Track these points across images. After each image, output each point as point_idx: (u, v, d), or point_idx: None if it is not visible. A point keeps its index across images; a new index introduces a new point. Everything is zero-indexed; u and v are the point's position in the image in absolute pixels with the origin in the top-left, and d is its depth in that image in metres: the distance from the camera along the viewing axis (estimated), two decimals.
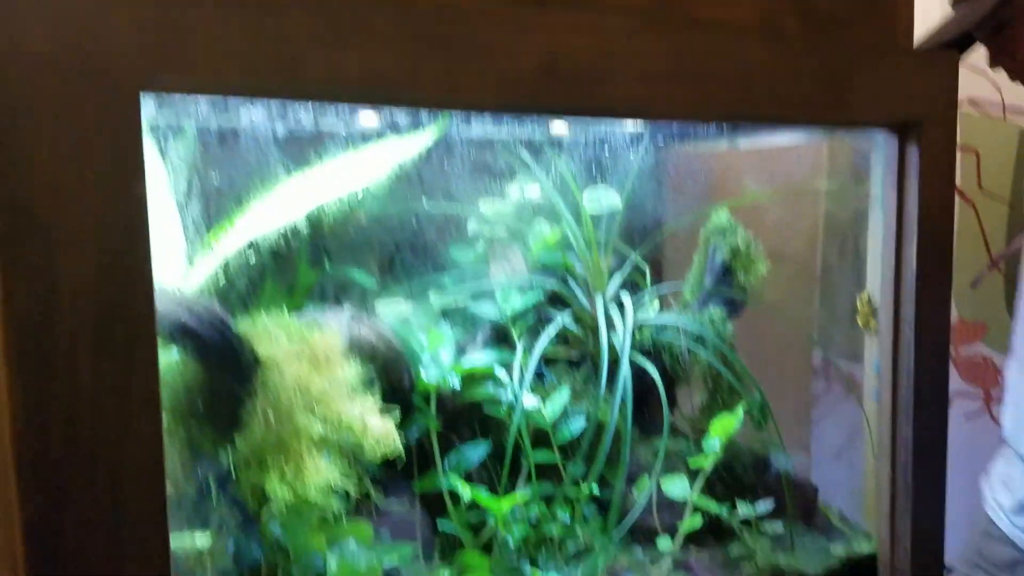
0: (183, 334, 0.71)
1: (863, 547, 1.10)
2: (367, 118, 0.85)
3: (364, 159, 0.82)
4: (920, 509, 1.07)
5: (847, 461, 1.62)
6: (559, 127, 1.11)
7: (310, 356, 0.82)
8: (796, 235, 1.61)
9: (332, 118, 0.85)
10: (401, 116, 0.86)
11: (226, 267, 0.79)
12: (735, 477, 1.09)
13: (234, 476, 0.77)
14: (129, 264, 0.59)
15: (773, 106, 0.91)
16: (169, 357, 0.73)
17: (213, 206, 0.80)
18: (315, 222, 0.88)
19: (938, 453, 1.10)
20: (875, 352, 1.14)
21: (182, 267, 0.78)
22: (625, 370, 0.93)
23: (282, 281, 0.91)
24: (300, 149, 0.84)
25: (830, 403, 1.75)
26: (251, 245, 0.79)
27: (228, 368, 0.76)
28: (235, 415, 0.77)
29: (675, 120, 0.91)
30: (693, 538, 1.02)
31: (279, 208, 0.80)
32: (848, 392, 1.69)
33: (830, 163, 1.54)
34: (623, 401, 0.93)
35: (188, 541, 0.75)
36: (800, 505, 1.13)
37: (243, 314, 0.83)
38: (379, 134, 0.84)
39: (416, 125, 0.86)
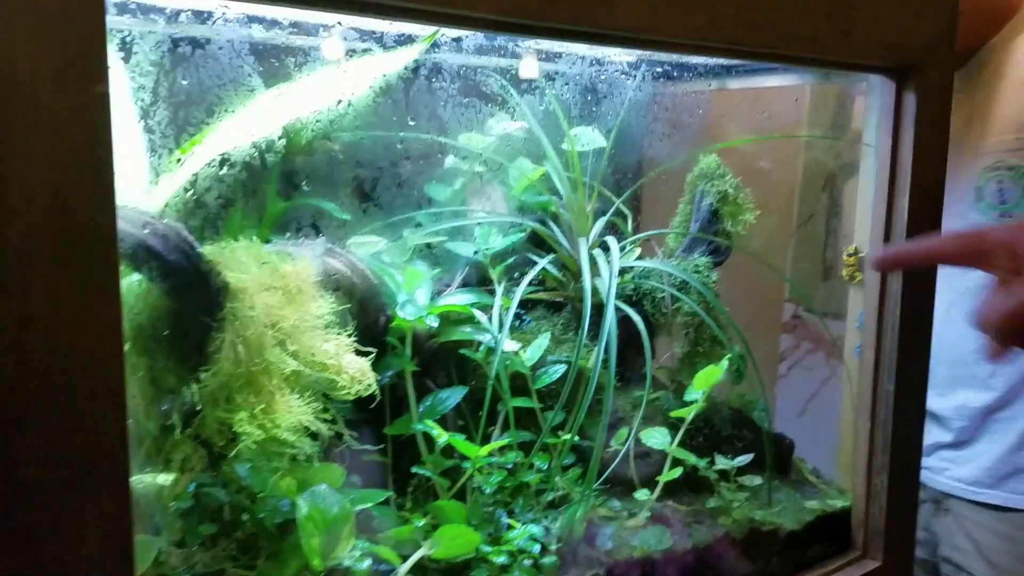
0: (146, 256, 0.65)
1: (836, 502, 1.09)
2: (349, 31, 0.78)
3: (342, 74, 0.76)
4: (897, 466, 1.06)
5: (814, 415, 1.62)
6: (545, 64, 1.05)
7: (282, 287, 0.77)
8: (774, 185, 1.58)
9: (311, 31, 0.79)
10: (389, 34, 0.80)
11: (193, 187, 0.73)
12: (714, 430, 1.07)
13: (199, 412, 0.72)
14: (89, 174, 0.53)
15: (778, 40, 0.88)
16: (130, 280, 0.67)
17: (180, 121, 0.73)
18: (288, 142, 0.82)
19: (918, 409, 1.09)
20: (859, 306, 1.11)
21: (145, 185, 0.72)
22: (610, 317, 0.89)
23: (251, 206, 0.85)
24: (276, 62, 0.78)
25: (797, 357, 1.74)
26: (220, 164, 0.73)
27: (194, 295, 0.70)
28: (201, 346, 0.72)
29: (677, 49, 0.86)
30: (669, 490, 0.99)
31: (250, 125, 0.74)
32: (818, 346, 1.68)
33: (811, 112, 1.51)
34: (606, 349, 0.89)
35: (149, 481, 0.70)
36: (776, 459, 1.11)
37: (209, 240, 0.77)
38: (364, 51, 0.78)
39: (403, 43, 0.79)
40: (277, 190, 0.93)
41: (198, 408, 0.72)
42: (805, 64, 1.00)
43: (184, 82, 0.72)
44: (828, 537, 1.07)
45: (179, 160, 0.69)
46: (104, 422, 0.55)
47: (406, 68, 0.77)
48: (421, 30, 0.78)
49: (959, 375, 1.35)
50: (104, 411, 0.55)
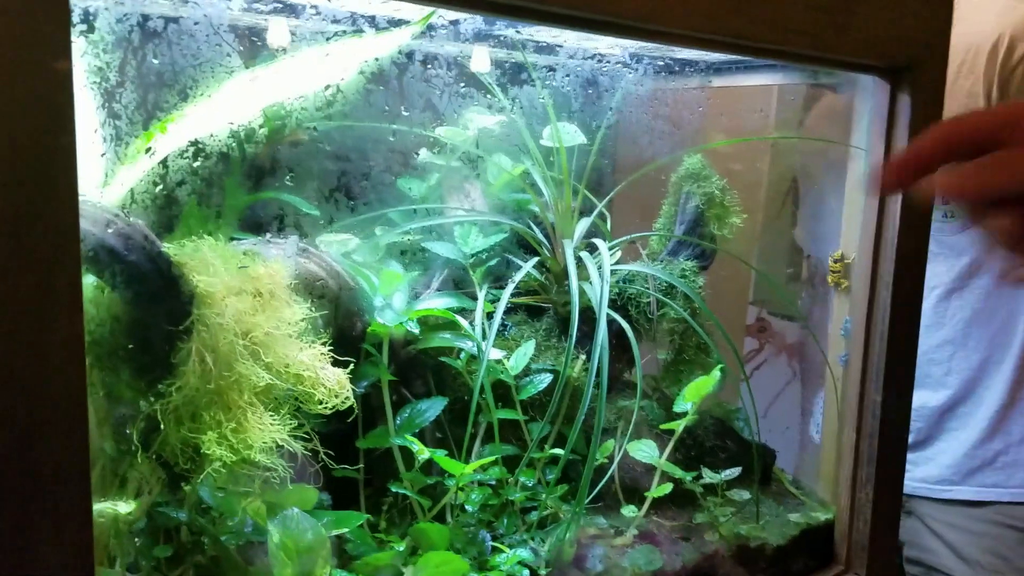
0: (108, 258, 0.58)
1: (819, 515, 1.05)
2: (340, 12, 0.71)
3: (325, 57, 0.69)
4: (883, 479, 1.03)
5: (775, 419, 1.59)
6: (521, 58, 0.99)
7: (253, 291, 0.69)
8: (740, 187, 1.54)
9: (298, 12, 0.71)
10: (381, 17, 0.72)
11: (162, 180, 0.65)
12: (697, 440, 1.02)
13: (160, 431, 0.65)
14: (49, 162, 0.46)
15: (777, 35, 0.83)
16: (86, 284, 0.60)
17: (143, 106, 0.65)
18: (258, 132, 0.75)
19: (904, 420, 1.06)
20: (844, 314, 1.08)
21: (100, 177, 0.64)
22: (603, 324, 0.83)
23: (211, 200, 0.78)
24: (251, 44, 0.70)
25: (760, 361, 1.71)
26: (193, 155, 0.65)
27: (158, 301, 0.63)
28: (164, 358, 0.64)
29: (676, 41, 0.81)
30: (654, 504, 0.94)
31: (220, 111, 0.66)
32: (782, 350, 1.66)
33: (777, 112, 1.48)
34: (598, 358, 0.83)
35: (106, 507, 0.62)
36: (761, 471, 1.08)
37: (165, 238, 0.70)
38: (354, 31, 0.71)
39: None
40: (239, 182, 0.86)
41: (160, 426, 0.64)
42: (802, 61, 0.96)
43: (153, 61, 0.64)
44: (811, 551, 1.04)
45: (148, 150, 0.61)
46: (63, 443, 0.48)
47: (400, 52, 0.71)
48: (416, 13, 0.71)
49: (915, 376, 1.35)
50: (63, 431, 0.48)
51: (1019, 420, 1.32)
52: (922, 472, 1.37)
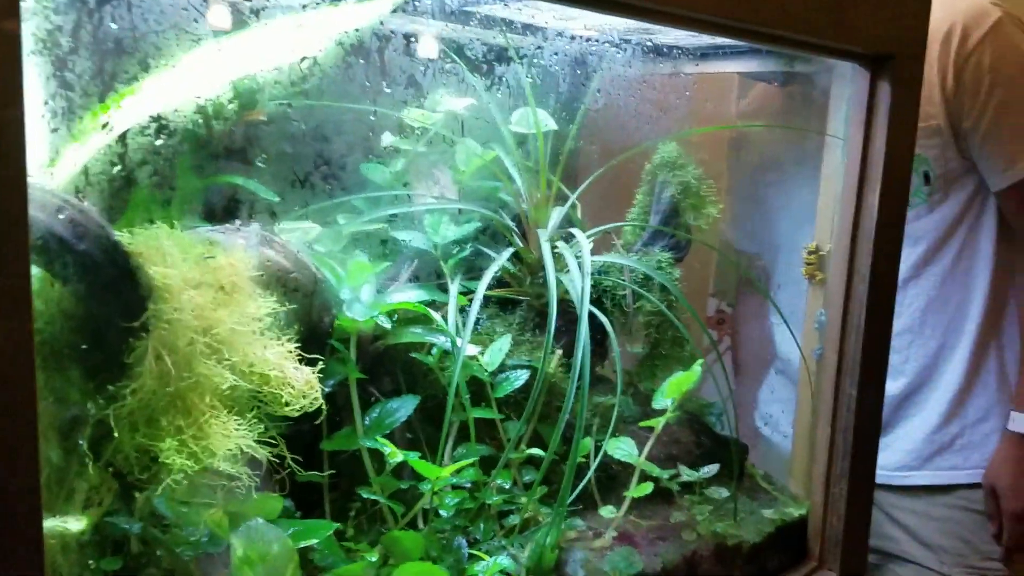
0: (55, 246, 0.52)
1: (792, 511, 1.03)
2: None
3: (299, 26, 0.63)
4: (857, 473, 1.01)
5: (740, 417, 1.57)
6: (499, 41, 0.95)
7: (214, 284, 0.64)
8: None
9: None
10: None
11: (114, 160, 0.59)
12: (672, 437, 0.99)
13: (112, 438, 0.59)
14: None
15: (776, 19, 0.80)
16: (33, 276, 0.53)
17: (98, 77, 0.59)
18: (227, 107, 0.68)
19: (877, 414, 1.05)
20: (817, 307, 1.06)
21: (47, 155, 0.57)
22: (584, 320, 0.79)
23: (168, 185, 0.71)
24: (214, 13, 0.64)
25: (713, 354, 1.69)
26: (147, 131, 0.59)
27: (111, 295, 0.57)
28: (116, 358, 0.58)
29: (673, 21, 0.77)
30: (630, 504, 0.91)
31: (184, 85, 0.60)
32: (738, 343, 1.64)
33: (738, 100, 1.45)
34: (580, 355, 0.79)
35: (55, 524, 0.56)
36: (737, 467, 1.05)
37: (120, 226, 0.63)
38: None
39: None
40: (193, 164, 0.79)
41: (113, 433, 0.58)
42: (794, 47, 0.93)
43: (111, 25, 0.57)
44: (786, 547, 1.02)
45: (105, 125, 0.54)
46: (10, 459, 0.42)
47: (381, 23, 0.65)
48: None
49: None
50: (10, 444, 0.42)
51: (974, 403, 1.33)
52: (881, 459, 1.37)
